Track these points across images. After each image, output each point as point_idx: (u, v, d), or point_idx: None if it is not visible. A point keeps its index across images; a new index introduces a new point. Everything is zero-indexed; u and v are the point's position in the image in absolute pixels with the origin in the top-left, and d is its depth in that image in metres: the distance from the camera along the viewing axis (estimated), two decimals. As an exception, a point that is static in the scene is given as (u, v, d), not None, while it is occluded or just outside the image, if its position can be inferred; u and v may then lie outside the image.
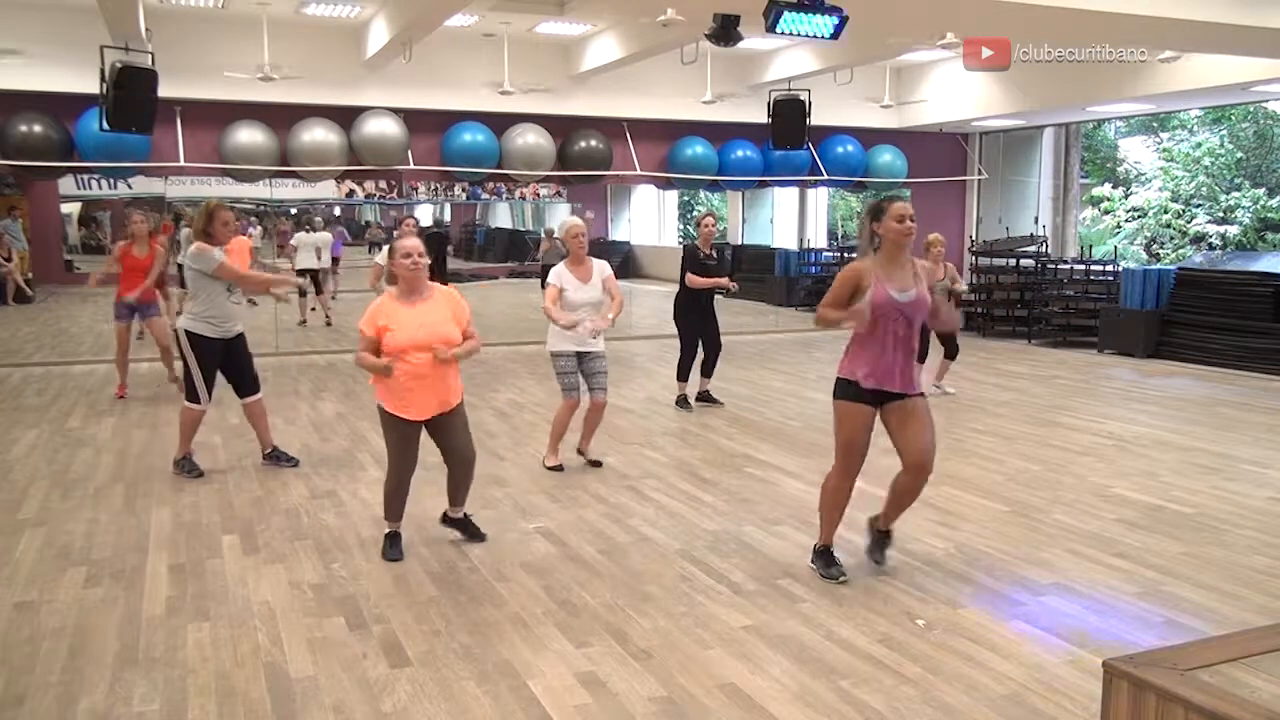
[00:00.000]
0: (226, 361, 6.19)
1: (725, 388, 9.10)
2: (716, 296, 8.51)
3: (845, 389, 4.42)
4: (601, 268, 6.35)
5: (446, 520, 5.07)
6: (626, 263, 24.07)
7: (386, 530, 4.90)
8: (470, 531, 5.04)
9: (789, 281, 17.45)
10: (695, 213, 28.19)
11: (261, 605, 4.20)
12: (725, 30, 7.67)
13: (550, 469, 6.41)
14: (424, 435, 4.78)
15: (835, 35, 7.22)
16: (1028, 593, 4.39)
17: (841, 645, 3.83)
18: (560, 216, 27.30)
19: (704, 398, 8.62)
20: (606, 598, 4.30)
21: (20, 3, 9.99)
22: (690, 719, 3.29)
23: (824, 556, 4.59)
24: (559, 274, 6.22)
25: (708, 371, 8.63)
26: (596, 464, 6.55)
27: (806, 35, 7.19)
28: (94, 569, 4.62)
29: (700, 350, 8.51)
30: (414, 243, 4.64)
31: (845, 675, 3.58)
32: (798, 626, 4.00)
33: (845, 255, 18.14)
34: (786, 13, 6.88)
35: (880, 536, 4.74)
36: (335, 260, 17.52)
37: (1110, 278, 13.11)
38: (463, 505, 5.03)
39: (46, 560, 4.74)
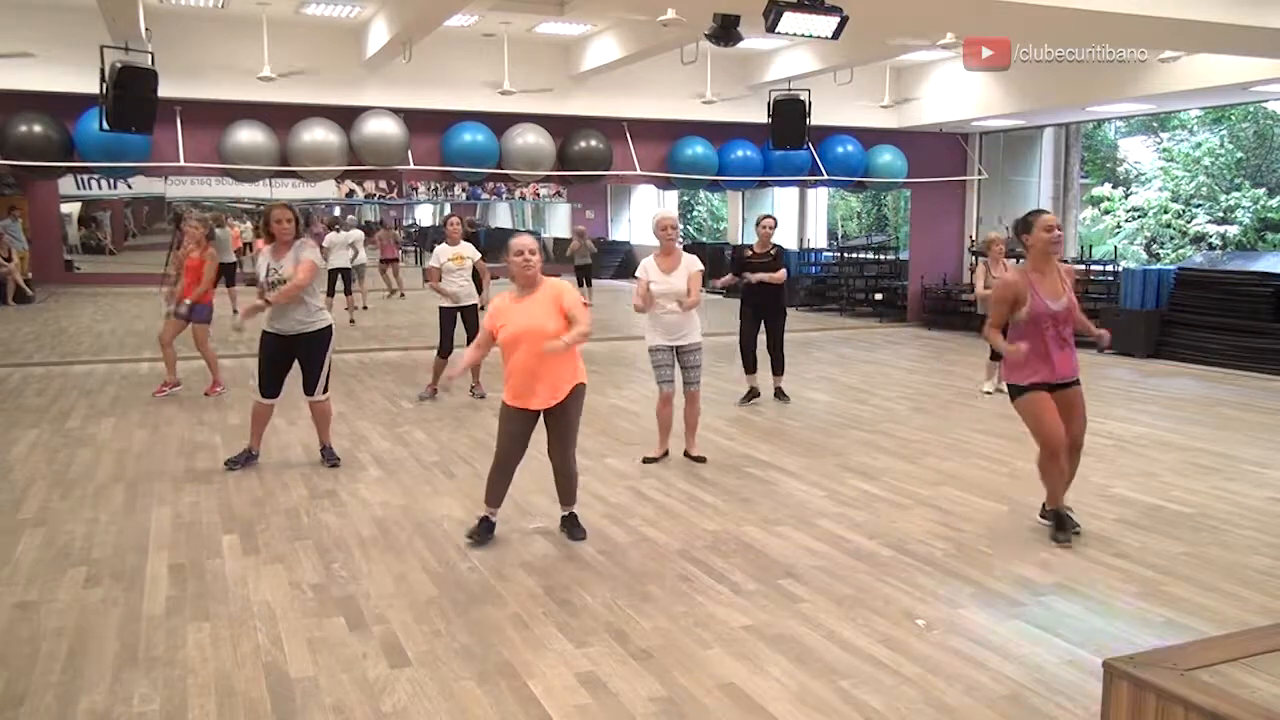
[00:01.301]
0: (299, 358, 6.27)
1: (726, 388, 9.11)
2: (777, 298, 8.78)
3: (1022, 390, 4.96)
4: (690, 263, 6.45)
5: (561, 524, 5.20)
6: (626, 263, 24.09)
7: (481, 513, 5.05)
8: (570, 529, 5.12)
9: (789, 282, 17.44)
10: (695, 213, 28.26)
11: (261, 605, 4.20)
12: (725, 30, 7.67)
13: (646, 461, 6.56)
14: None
15: (835, 35, 7.22)
16: (1028, 593, 4.39)
17: (841, 645, 3.83)
18: (560, 216, 27.36)
19: (776, 394, 8.89)
20: (606, 598, 4.30)
21: (21, 3, 9.99)
22: (690, 719, 3.29)
23: (1053, 517, 5.11)
24: (645, 267, 6.45)
25: (776, 369, 8.91)
26: (701, 459, 6.63)
27: (806, 35, 7.19)
28: (94, 569, 4.62)
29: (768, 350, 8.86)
30: (527, 240, 4.79)
31: (845, 675, 3.58)
32: (798, 626, 4.00)
33: (845, 255, 18.21)
34: (786, 13, 6.87)
35: (1056, 516, 5.12)
36: (393, 261, 17.71)
37: (1110, 278, 13.11)
38: (567, 505, 5.15)
39: (46, 560, 4.74)
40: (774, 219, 8.86)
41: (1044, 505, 5.26)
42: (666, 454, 6.66)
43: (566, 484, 5.11)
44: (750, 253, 8.71)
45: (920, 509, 5.58)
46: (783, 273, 8.60)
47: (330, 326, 6.34)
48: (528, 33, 11.38)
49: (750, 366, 8.84)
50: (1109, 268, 13.57)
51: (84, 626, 3.98)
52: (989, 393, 9.01)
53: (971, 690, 3.47)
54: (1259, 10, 8.03)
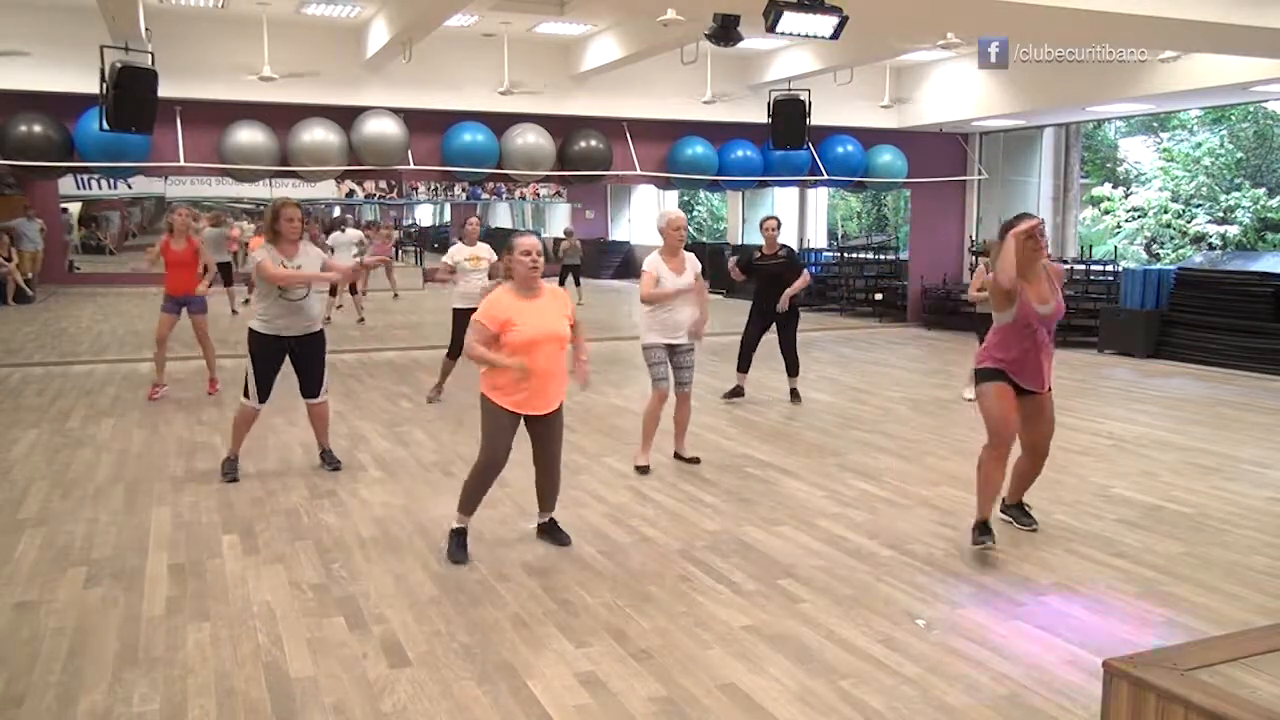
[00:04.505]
0: (295, 360, 6.17)
1: (724, 388, 9.09)
2: (791, 303, 8.78)
3: (990, 374, 4.84)
4: (693, 263, 6.45)
5: (540, 531, 5.08)
6: (626, 263, 24.08)
7: (455, 525, 4.83)
8: (557, 536, 5.01)
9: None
10: (695, 213, 28.25)
11: (261, 605, 4.20)
12: (725, 30, 7.66)
13: (639, 469, 6.38)
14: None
15: (835, 35, 7.22)
16: (1028, 593, 4.39)
17: (841, 645, 3.83)
18: (560, 216, 27.37)
19: (792, 395, 8.92)
20: (606, 598, 4.30)
21: (21, 3, 9.99)
22: (690, 719, 3.29)
23: (979, 528, 4.83)
24: (655, 264, 6.34)
25: (792, 370, 8.98)
26: (695, 460, 6.58)
27: (806, 35, 7.19)
28: (94, 569, 4.62)
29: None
30: (534, 241, 4.68)
31: (845, 675, 3.58)
32: (798, 626, 4.00)
33: (845, 255, 18.20)
34: (786, 13, 6.87)
35: (1015, 509, 5.20)
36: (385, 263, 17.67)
37: (1110, 278, 13.10)
38: (549, 510, 5.05)
39: (46, 560, 4.74)
40: (777, 219, 8.88)
41: (1003, 500, 5.20)
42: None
43: (555, 489, 4.99)
44: (759, 254, 8.72)
45: (920, 509, 5.58)
46: (806, 276, 8.66)
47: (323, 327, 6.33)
48: (528, 33, 11.38)
49: (744, 365, 8.85)
50: (1109, 268, 13.57)
51: (84, 626, 3.98)
52: (970, 399, 8.99)
53: (971, 690, 3.47)
54: (1259, 10, 8.03)
